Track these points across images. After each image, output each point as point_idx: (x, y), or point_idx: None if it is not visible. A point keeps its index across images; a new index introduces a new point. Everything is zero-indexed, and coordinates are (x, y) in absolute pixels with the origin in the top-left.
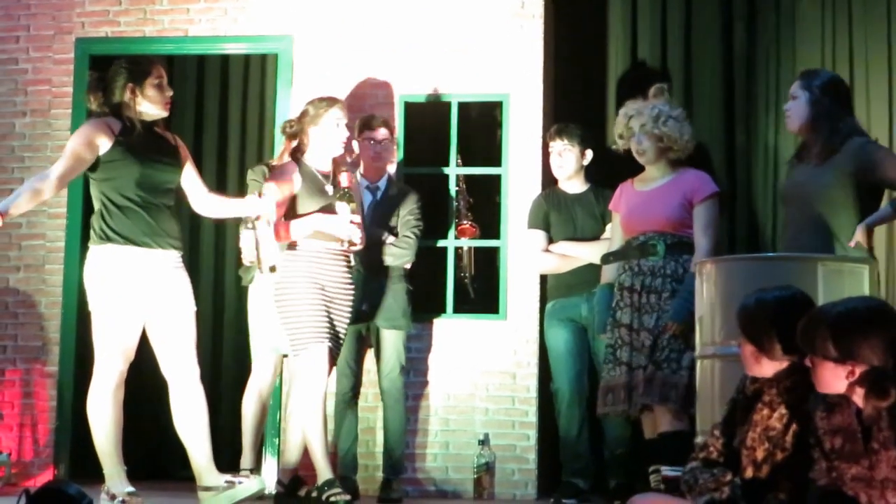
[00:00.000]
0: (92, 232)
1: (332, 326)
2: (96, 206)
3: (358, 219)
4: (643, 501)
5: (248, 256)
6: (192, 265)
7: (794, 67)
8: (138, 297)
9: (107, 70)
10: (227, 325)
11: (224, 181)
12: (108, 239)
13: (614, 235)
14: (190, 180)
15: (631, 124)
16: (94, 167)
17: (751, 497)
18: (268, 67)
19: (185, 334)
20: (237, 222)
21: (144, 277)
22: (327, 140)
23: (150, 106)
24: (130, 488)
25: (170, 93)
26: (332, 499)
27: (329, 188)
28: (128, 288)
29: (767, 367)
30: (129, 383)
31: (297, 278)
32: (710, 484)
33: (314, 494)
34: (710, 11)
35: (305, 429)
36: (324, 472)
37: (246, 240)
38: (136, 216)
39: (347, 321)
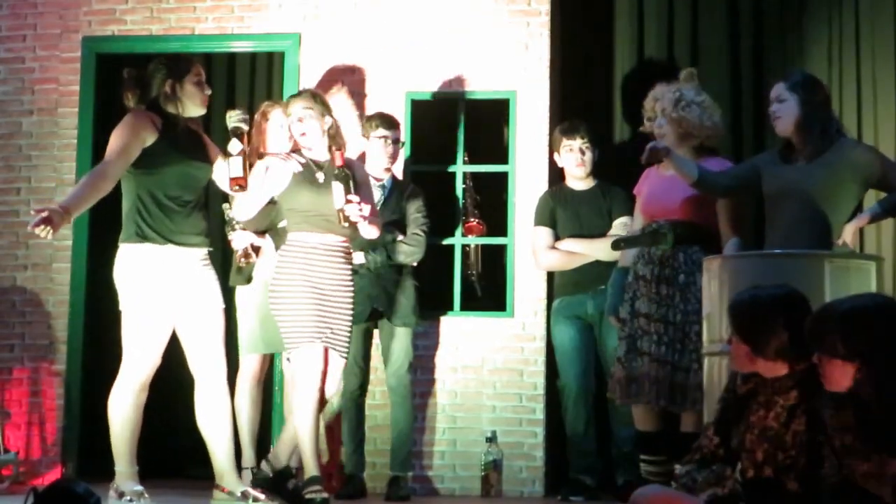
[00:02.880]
0: (125, 230)
1: (328, 324)
2: (129, 202)
3: (356, 197)
4: (646, 494)
5: (240, 252)
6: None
7: (801, 65)
8: (170, 298)
9: (141, 67)
10: (234, 323)
11: None
12: (146, 238)
13: (635, 220)
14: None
15: (655, 107)
16: (136, 161)
17: (754, 498)
18: (274, 65)
19: (214, 332)
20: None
21: (177, 277)
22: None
23: (189, 102)
24: (138, 487)
25: (208, 91)
26: (309, 496)
27: (320, 175)
28: (161, 288)
29: (761, 367)
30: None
31: (290, 277)
32: (711, 479)
33: (298, 489)
34: (716, 9)
35: (297, 426)
36: (310, 469)
37: (237, 241)
38: (174, 214)
39: (349, 317)
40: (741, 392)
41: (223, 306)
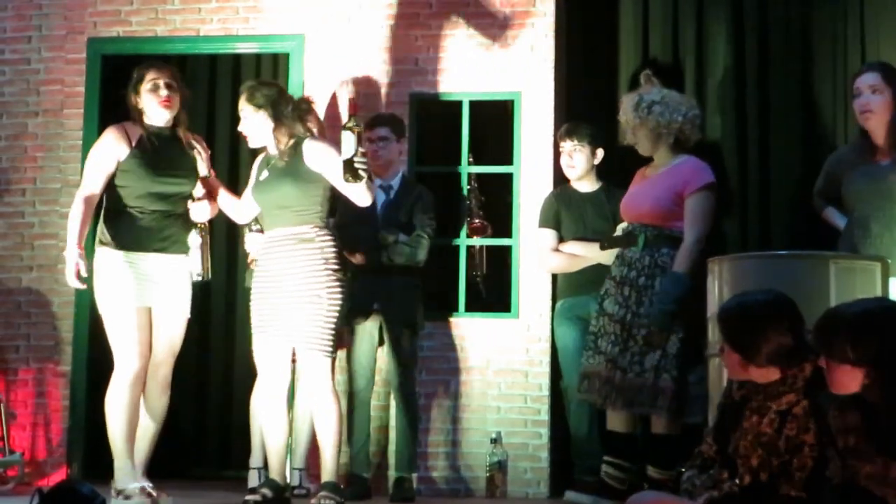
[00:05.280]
0: (97, 233)
1: (277, 315)
2: (102, 208)
3: (363, 149)
4: (642, 500)
5: (255, 254)
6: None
7: (805, 62)
8: (137, 298)
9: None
10: (239, 323)
11: (236, 181)
12: (104, 243)
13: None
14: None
15: (625, 119)
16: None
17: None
18: (280, 67)
19: (171, 339)
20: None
21: (142, 280)
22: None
23: (148, 111)
24: (139, 483)
25: (164, 93)
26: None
27: (265, 173)
28: (126, 289)
29: (754, 374)
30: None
31: (255, 276)
32: (708, 483)
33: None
34: (721, 8)
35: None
36: (273, 469)
37: (248, 243)
38: (135, 223)
39: (315, 305)
40: (736, 398)
41: (187, 316)
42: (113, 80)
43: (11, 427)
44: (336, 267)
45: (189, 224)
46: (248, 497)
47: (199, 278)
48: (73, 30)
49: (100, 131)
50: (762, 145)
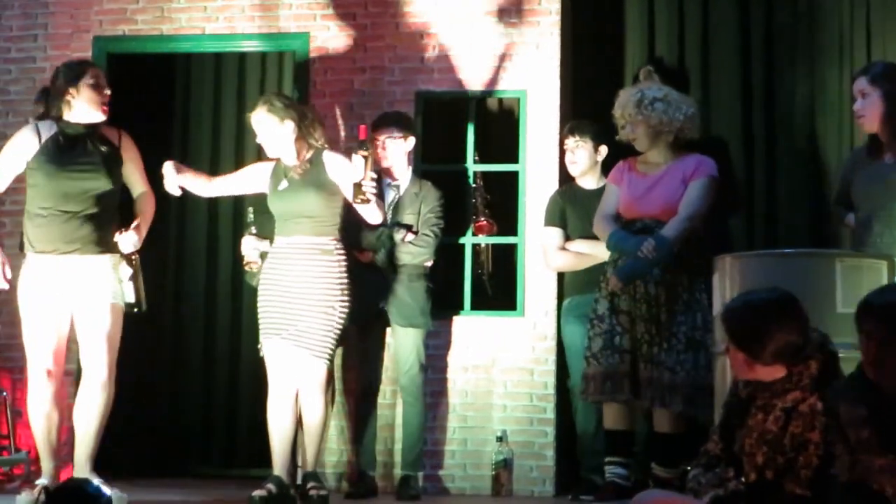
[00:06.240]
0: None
1: (290, 321)
2: (25, 210)
3: (374, 174)
4: (648, 498)
5: (249, 257)
6: (182, 258)
7: (811, 59)
8: (52, 303)
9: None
10: (245, 323)
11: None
12: (24, 248)
13: (607, 206)
14: (127, 181)
15: (623, 114)
16: (22, 174)
17: (756, 501)
18: (285, 65)
19: (96, 336)
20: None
21: (59, 284)
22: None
23: (86, 106)
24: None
25: (108, 93)
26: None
27: (283, 183)
28: (35, 292)
29: (759, 372)
30: (144, 381)
31: (263, 279)
32: (714, 481)
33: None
34: (727, 6)
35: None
36: (276, 466)
37: (243, 246)
38: (49, 226)
39: (324, 314)
40: (742, 396)
41: (107, 309)
42: (118, 78)
43: (17, 425)
44: (348, 281)
45: (111, 224)
46: (255, 492)
47: (136, 310)
48: (79, 28)
49: None
50: (768, 144)
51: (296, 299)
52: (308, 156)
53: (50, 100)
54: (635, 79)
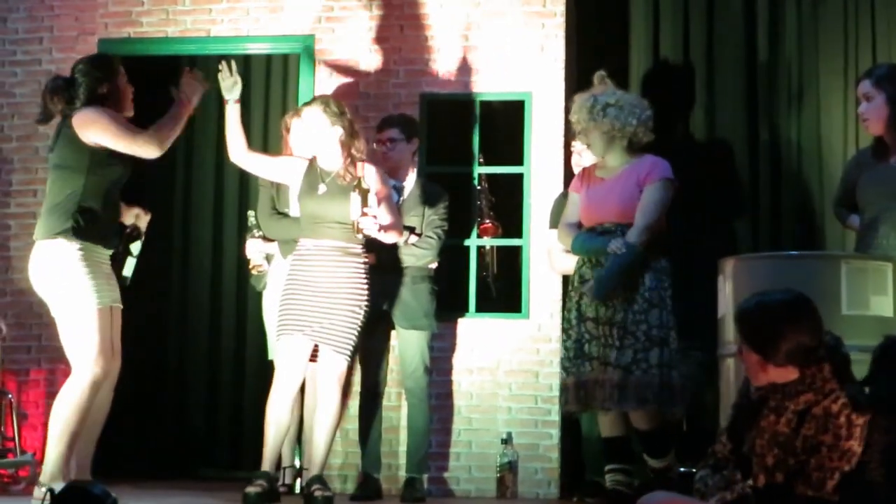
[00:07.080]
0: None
1: (315, 319)
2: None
3: (373, 210)
4: (653, 500)
5: (255, 261)
6: (188, 261)
7: (816, 62)
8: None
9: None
10: (250, 325)
11: (245, 182)
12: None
13: (568, 215)
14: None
15: (579, 120)
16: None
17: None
18: (290, 67)
19: (64, 330)
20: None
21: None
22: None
23: (124, 102)
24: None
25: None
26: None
27: (322, 187)
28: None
29: (772, 373)
30: (149, 383)
31: (288, 279)
32: (721, 484)
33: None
34: (732, 7)
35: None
36: (280, 460)
37: (248, 249)
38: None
39: (349, 316)
40: (754, 397)
41: (63, 307)
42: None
43: (23, 428)
44: (369, 284)
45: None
46: (249, 489)
47: (126, 283)
48: (84, 31)
49: None
50: (773, 145)
51: (322, 298)
52: (348, 163)
53: (73, 95)
54: (646, 82)
